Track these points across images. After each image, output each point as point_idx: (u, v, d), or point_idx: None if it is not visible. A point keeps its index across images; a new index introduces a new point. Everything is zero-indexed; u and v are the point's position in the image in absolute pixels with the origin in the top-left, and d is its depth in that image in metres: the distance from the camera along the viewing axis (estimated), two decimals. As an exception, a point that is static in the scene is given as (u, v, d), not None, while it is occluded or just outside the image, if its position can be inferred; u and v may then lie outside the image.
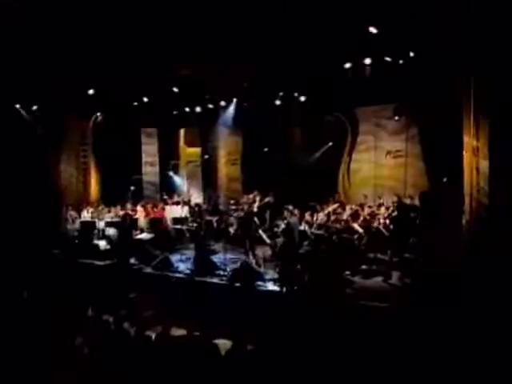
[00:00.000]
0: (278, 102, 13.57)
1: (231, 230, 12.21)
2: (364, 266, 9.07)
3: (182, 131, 16.98)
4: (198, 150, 16.90)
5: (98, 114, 15.26)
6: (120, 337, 5.57)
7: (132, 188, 16.24)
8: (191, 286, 8.92)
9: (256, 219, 11.83)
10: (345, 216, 10.17)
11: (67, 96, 13.55)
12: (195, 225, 11.55)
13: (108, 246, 10.91)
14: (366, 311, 7.21)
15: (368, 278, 8.68)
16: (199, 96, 14.62)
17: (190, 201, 14.81)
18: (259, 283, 8.37)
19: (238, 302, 8.13)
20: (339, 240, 9.08)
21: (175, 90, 13.61)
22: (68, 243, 11.74)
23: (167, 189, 16.59)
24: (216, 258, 10.42)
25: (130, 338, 5.57)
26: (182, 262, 10.36)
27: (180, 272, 9.65)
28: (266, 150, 15.84)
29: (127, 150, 15.59)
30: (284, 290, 8.08)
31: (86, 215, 12.43)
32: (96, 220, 12.12)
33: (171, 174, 17.04)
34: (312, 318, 7.14)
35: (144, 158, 16.46)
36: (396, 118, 12.26)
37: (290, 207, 10.02)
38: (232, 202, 14.35)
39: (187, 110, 15.50)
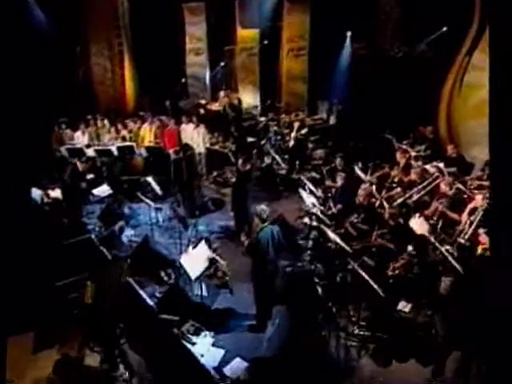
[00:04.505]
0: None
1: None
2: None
3: (236, 5, 12.25)
4: (255, 32, 12.21)
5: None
6: None
7: (183, 80, 13.15)
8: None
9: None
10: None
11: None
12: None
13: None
14: None
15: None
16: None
17: (225, 109, 10.59)
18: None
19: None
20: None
21: None
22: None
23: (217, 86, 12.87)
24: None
25: None
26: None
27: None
28: (348, 34, 10.76)
29: (165, 33, 11.89)
30: None
31: (81, 137, 9.51)
32: (83, 147, 8.97)
33: (223, 64, 12.90)
34: None
35: (188, 44, 12.62)
36: None
37: (264, 207, 4.62)
38: (276, 118, 10.09)
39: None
